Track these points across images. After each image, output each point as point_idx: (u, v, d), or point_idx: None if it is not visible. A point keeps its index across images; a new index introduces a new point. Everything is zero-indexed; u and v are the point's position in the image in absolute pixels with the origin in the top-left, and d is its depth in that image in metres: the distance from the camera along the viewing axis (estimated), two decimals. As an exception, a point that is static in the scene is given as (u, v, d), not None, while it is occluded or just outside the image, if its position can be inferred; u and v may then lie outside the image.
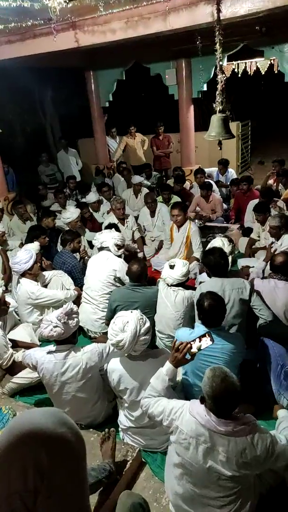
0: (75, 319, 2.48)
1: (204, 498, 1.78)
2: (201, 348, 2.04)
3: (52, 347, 2.51)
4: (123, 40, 4.84)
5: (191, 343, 2.04)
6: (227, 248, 3.49)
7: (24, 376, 2.94)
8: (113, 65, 7.65)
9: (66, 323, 2.41)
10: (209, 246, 3.58)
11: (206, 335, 2.06)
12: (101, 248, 4.11)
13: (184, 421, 1.76)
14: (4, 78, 6.53)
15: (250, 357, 2.71)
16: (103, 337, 3.19)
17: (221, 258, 3.01)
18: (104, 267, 3.68)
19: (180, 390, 2.53)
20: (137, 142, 8.28)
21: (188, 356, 2.04)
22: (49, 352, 2.46)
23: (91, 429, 2.42)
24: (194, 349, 2.03)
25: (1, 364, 2.95)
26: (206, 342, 2.04)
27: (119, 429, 2.49)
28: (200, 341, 2.04)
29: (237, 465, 1.66)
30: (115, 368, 2.38)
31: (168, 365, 2.06)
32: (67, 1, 2.62)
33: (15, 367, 2.99)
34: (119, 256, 3.83)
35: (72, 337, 2.50)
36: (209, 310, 2.43)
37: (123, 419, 2.45)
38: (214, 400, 1.69)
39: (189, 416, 1.75)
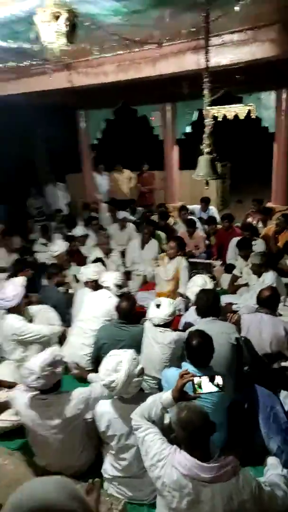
0: (60, 367, 2.31)
1: None
2: (204, 390, 1.86)
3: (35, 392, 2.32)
4: (114, 82, 5.00)
5: (195, 377, 1.88)
6: (209, 286, 3.45)
7: (6, 419, 2.71)
8: (102, 105, 7.85)
9: (50, 374, 2.22)
10: (190, 283, 3.55)
11: (215, 378, 1.89)
12: (86, 283, 4.01)
13: (166, 472, 1.64)
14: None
15: (238, 399, 2.60)
16: (86, 372, 3.01)
17: (210, 299, 2.95)
18: (104, 305, 3.55)
19: (167, 433, 2.37)
20: (124, 177, 8.36)
21: (191, 391, 1.87)
22: (32, 398, 2.28)
23: (74, 480, 2.21)
24: (196, 383, 1.86)
25: (-20, 406, 2.73)
26: (209, 386, 1.87)
27: (103, 478, 2.29)
28: (201, 381, 1.87)
29: None
30: (104, 412, 2.22)
31: (167, 395, 1.90)
32: (68, 44, 2.65)
33: (-5, 409, 2.78)
34: (119, 296, 3.70)
35: (56, 385, 2.31)
36: (197, 348, 2.35)
37: (109, 467, 2.26)
38: (181, 428, 1.65)
39: (171, 468, 1.64)
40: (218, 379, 1.90)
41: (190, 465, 1.59)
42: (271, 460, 2.33)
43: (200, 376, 1.90)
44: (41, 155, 9.83)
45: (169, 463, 1.66)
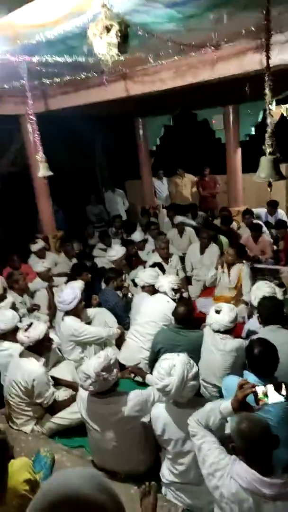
0: (115, 371, 2.37)
1: None
2: (269, 401, 1.75)
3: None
4: (172, 88, 5.09)
5: (258, 387, 1.78)
6: (278, 294, 3.34)
7: (65, 417, 2.89)
8: (161, 112, 8.01)
9: (105, 379, 2.29)
10: (256, 290, 3.42)
11: (280, 386, 1.77)
12: (143, 287, 4.12)
13: (224, 483, 1.62)
14: (57, 125, 7.05)
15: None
16: (145, 373, 3.08)
17: (275, 306, 2.89)
18: (162, 309, 3.63)
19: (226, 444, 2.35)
20: (185, 182, 8.46)
21: (253, 402, 1.77)
22: (90, 397, 2.39)
23: (130, 482, 2.28)
24: (260, 394, 1.75)
25: (42, 403, 2.93)
26: (276, 395, 1.74)
27: (161, 483, 2.32)
28: (267, 389, 1.75)
29: None
30: (160, 415, 2.26)
31: (227, 404, 1.84)
32: (119, 55, 2.79)
33: (55, 406, 2.96)
34: (175, 300, 3.76)
35: (113, 386, 2.39)
36: (259, 358, 2.30)
37: (166, 472, 2.29)
38: (242, 439, 1.60)
39: (230, 479, 1.61)
40: (284, 388, 1.78)
41: (250, 478, 1.56)
42: None
43: (264, 385, 1.79)
44: (101, 162, 10.29)
45: (228, 474, 1.63)
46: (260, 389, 1.77)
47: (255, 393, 1.77)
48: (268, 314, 2.90)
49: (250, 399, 1.81)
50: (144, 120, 8.35)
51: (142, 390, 2.50)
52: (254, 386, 1.79)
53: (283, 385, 1.78)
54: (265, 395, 1.76)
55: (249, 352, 2.36)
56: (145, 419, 2.43)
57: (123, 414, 2.29)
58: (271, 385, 1.78)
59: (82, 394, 2.45)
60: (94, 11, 2.78)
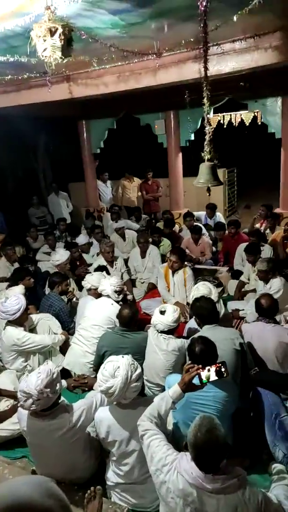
0: (58, 386, 2.24)
1: None
2: (210, 379, 1.99)
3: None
4: (115, 92, 5.14)
5: (202, 369, 2.00)
6: (213, 294, 3.41)
7: (6, 428, 2.77)
8: (104, 115, 8.03)
9: (48, 396, 2.12)
10: (194, 291, 3.54)
11: (219, 366, 2.00)
12: (89, 290, 4.09)
13: (171, 478, 1.66)
14: (-2, 125, 6.78)
15: (243, 406, 2.63)
16: (91, 379, 3.04)
17: (209, 306, 2.99)
18: (106, 312, 3.61)
19: (171, 440, 2.41)
20: (133, 185, 8.54)
21: (197, 382, 1.99)
22: (30, 416, 2.24)
23: (75, 487, 2.24)
24: (203, 377, 1.99)
25: (-19, 415, 2.80)
26: (216, 374, 1.99)
27: (106, 486, 2.32)
28: (209, 371, 2.00)
29: None
30: (104, 418, 2.25)
31: (175, 388, 2.03)
32: (63, 58, 2.77)
33: (-4, 418, 2.84)
34: (118, 302, 3.76)
35: (56, 400, 2.26)
36: (200, 355, 2.38)
37: (111, 475, 2.30)
38: (195, 449, 1.63)
39: (177, 474, 1.66)
40: (222, 368, 2.02)
41: (195, 474, 1.61)
42: (277, 468, 2.36)
43: (203, 369, 2.00)
44: (44, 164, 10.04)
45: (175, 470, 1.68)
46: (204, 374, 2.01)
47: (199, 375, 2.00)
48: (203, 315, 3.00)
49: (195, 380, 2.02)
50: (88, 123, 8.32)
51: (84, 400, 2.48)
52: (198, 369, 2.00)
53: (222, 366, 2.02)
54: (208, 379, 2.01)
55: (191, 350, 2.44)
56: (89, 428, 2.40)
57: (68, 427, 2.21)
58: (213, 367, 2.02)
59: (22, 411, 2.30)
60: (37, 11, 2.73)
